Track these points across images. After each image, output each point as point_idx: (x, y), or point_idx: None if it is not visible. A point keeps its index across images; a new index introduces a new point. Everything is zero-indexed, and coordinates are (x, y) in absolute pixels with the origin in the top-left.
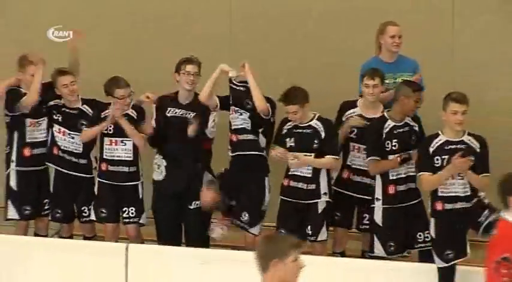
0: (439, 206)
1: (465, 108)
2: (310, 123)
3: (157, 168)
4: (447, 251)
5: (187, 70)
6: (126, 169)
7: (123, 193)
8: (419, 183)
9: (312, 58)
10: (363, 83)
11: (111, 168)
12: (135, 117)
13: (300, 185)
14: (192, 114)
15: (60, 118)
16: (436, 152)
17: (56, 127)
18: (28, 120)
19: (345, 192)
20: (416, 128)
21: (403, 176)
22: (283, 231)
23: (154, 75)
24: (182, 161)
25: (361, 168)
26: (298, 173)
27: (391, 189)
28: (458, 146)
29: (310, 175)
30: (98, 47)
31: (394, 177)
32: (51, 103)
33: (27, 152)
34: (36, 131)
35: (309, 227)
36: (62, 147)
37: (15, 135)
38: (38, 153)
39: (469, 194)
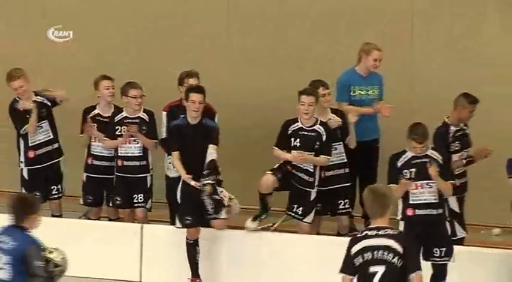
0: (409, 212)
1: (424, 145)
2: (314, 127)
3: (173, 168)
4: None
5: (190, 82)
6: (137, 163)
7: (134, 183)
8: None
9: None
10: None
11: (125, 163)
12: (147, 120)
13: (302, 175)
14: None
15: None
16: (403, 166)
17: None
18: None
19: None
20: (468, 131)
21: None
22: None
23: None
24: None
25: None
26: (303, 167)
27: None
28: (424, 160)
29: (312, 170)
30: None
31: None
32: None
33: (31, 154)
34: (39, 133)
35: (300, 209)
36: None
37: (21, 141)
38: (41, 153)
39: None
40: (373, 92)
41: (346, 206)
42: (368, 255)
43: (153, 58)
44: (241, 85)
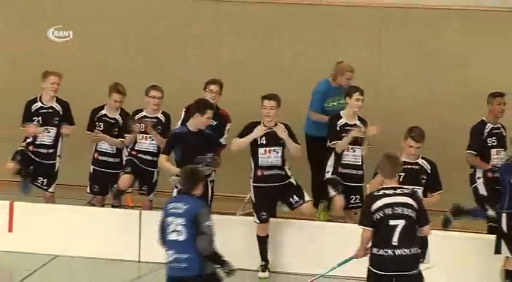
0: None
1: (420, 145)
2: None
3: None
4: None
5: (211, 89)
6: (150, 158)
7: (144, 174)
8: None
9: None
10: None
11: (139, 155)
12: (163, 121)
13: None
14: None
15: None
16: None
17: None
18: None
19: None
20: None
21: None
22: None
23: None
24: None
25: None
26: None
27: None
28: (413, 167)
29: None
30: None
31: None
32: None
33: (31, 148)
34: (46, 136)
35: (294, 196)
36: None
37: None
38: (37, 151)
39: None
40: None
41: (357, 201)
42: (388, 211)
43: (153, 59)
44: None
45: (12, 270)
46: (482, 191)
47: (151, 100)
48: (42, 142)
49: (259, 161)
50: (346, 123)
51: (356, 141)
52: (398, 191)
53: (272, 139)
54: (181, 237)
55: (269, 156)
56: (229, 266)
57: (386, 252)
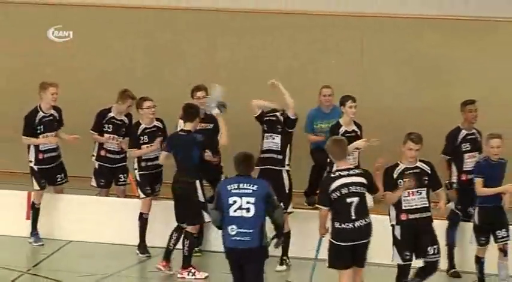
0: (403, 217)
1: (419, 147)
2: None
3: None
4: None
5: (197, 95)
6: (157, 162)
7: (155, 176)
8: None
9: None
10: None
11: (149, 163)
12: (161, 126)
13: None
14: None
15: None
16: (398, 177)
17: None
18: (41, 135)
19: None
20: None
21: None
22: None
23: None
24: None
25: None
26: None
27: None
28: (415, 170)
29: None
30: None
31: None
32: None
33: (40, 156)
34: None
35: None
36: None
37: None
38: (48, 156)
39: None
40: (322, 125)
41: None
42: (344, 190)
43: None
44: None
45: (30, 254)
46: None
47: (146, 111)
48: (51, 146)
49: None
50: (346, 130)
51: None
52: (351, 172)
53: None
54: (250, 214)
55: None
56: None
57: (348, 225)
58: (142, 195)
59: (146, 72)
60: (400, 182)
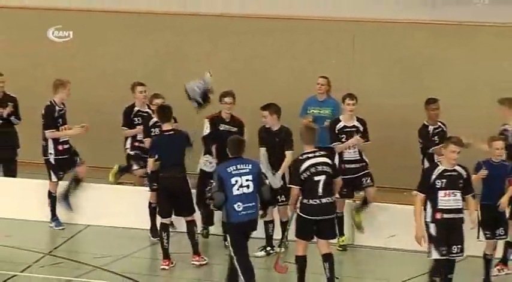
0: (438, 216)
1: (460, 150)
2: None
3: (209, 164)
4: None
5: (225, 101)
6: None
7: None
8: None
9: None
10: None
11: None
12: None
13: None
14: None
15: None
16: (436, 178)
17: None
18: (60, 127)
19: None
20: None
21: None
22: None
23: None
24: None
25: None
26: None
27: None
28: (452, 173)
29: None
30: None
31: None
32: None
33: (60, 147)
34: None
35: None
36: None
37: (53, 139)
38: (66, 147)
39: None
40: (324, 112)
41: (369, 181)
42: (313, 170)
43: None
44: None
45: (51, 238)
46: None
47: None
48: (66, 137)
49: None
50: (345, 125)
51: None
52: (317, 154)
53: None
54: (250, 190)
55: None
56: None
57: (315, 201)
58: (148, 189)
59: (147, 73)
60: (438, 182)
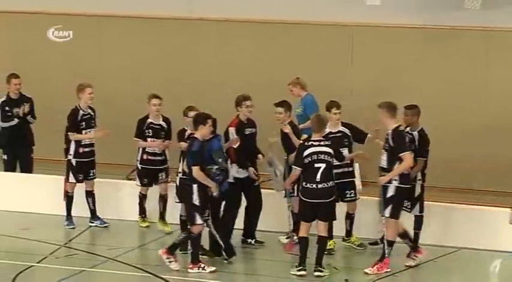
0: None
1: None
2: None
3: (242, 170)
4: None
5: (247, 104)
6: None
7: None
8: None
9: None
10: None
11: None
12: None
13: None
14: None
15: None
16: None
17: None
18: (83, 131)
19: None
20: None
21: None
22: None
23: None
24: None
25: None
26: None
27: None
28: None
29: None
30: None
31: None
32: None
33: (80, 150)
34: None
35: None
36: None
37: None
38: (87, 150)
39: None
40: (296, 110)
41: (352, 195)
42: (314, 157)
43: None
44: None
45: (66, 231)
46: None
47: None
48: (90, 142)
49: None
50: (330, 131)
51: (341, 145)
52: (322, 143)
53: None
54: None
55: None
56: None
57: (312, 185)
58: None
59: (153, 75)
60: None
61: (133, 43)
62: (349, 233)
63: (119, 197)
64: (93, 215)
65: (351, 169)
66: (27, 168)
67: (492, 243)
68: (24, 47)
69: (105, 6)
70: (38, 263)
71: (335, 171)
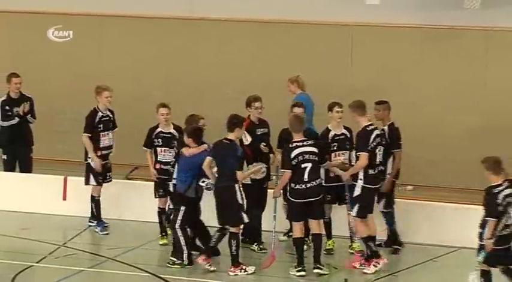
0: None
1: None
2: None
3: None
4: None
5: (256, 106)
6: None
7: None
8: None
9: None
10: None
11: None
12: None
13: None
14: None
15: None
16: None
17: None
18: (101, 133)
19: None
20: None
21: None
22: None
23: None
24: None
25: None
26: None
27: None
28: None
29: None
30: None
31: None
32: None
33: (99, 152)
34: (107, 139)
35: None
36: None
37: (94, 142)
38: (105, 153)
39: None
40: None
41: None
42: (300, 158)
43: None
44: None
45: (65, 230)
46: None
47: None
48: (109, 144)
49: None
50: (335, 134)
51: (344, 147)
52: (305, 143)
53: None
54: None
55: None
56: None
57: (301, 186)
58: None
59: (153, 75)
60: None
61: (133, 43)
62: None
63: (119, 197)
64: (93, 217)
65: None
66: (26, 168)
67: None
68: (24, 47)
69: (105, 6)
70: (37, 262)
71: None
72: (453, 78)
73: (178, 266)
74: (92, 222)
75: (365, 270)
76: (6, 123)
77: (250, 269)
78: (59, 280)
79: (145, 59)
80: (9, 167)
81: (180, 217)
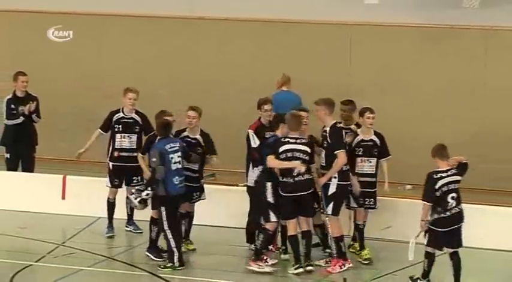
0: None
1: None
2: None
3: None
4: None
5: (265, 109)
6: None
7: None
8: None
9: None
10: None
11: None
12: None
13: None
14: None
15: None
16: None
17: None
18: (118, 135)
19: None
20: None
21: None
22: None
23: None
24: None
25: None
26: None
27: None
28: None
29: None
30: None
31: None
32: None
33: (116, 153)
34: (128, 141)
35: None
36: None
37: (111, 143)
38: (124, 155)
39: None
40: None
41: (371, 203)
42: (289, 154)
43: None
44: None
45: (65, 229)
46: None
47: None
48: (127, 146)
49: None
50: (362, 139)
51: (370, 154)
52: (298, 141)
53: None
54: (181, 166)
55: None
56: None
57: (289, 180)
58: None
59: (154, 74)
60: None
61: (133, 42)
62: (361, 246)
63: (118, 196)
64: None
65: (374, 179)
66: (28, 168)
67: (493, 242)
68: (24, 47)
69: (105, 6)
70: (36, 262)
71: (364, 179)
72: (452, 77)
73: (170, 269)
74: (128, 227)
75: (329, 269)
76: (11, 122)
77: (268, 268)
78: (58, 279)
79: (145, 59)
80: (11, 166)
81: (164, 218)
